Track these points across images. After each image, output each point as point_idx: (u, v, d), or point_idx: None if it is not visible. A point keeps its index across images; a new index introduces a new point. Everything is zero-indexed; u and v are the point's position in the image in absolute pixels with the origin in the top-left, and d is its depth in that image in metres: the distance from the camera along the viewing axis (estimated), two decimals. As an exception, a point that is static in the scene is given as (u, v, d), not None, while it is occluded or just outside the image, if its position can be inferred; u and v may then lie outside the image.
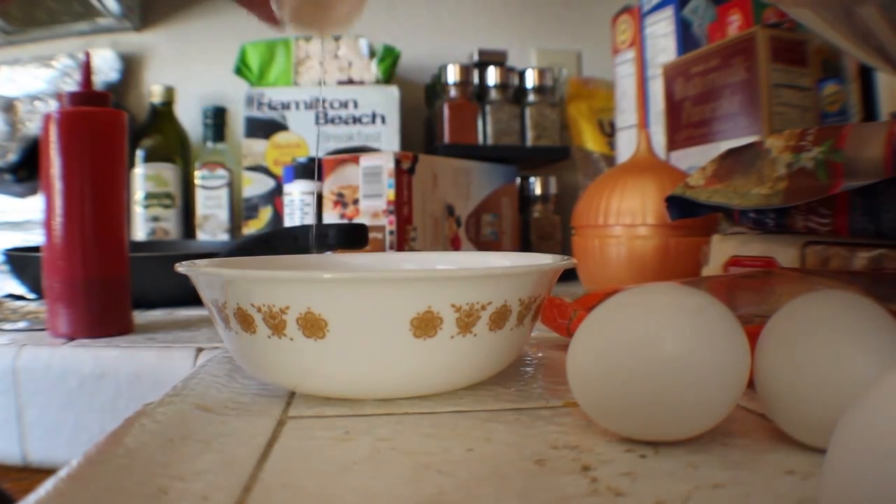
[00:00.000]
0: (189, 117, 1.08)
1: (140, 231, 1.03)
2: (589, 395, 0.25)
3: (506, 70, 0.97)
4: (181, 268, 0.32)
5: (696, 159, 0.68)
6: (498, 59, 1.01)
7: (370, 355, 0.29)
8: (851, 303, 0.23)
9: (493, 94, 0.96)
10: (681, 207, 0.53)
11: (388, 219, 0.75)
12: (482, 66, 0.98)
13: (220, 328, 0.32)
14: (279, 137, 0.98)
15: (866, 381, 0.19)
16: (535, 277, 0.31)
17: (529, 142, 0.97)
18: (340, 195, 0.78)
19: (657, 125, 0.81)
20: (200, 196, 1.03)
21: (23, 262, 0.68)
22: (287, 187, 0.89)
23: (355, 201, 0.77)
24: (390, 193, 0.75)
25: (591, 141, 1.04)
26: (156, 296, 0.65)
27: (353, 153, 0.77)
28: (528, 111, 0.97)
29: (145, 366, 0.46)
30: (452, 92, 0.95)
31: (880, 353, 0.22)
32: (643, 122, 0.85)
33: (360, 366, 0.29)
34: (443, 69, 0.96)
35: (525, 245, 0.97)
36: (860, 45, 0.45)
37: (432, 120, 1.01)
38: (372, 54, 1.01)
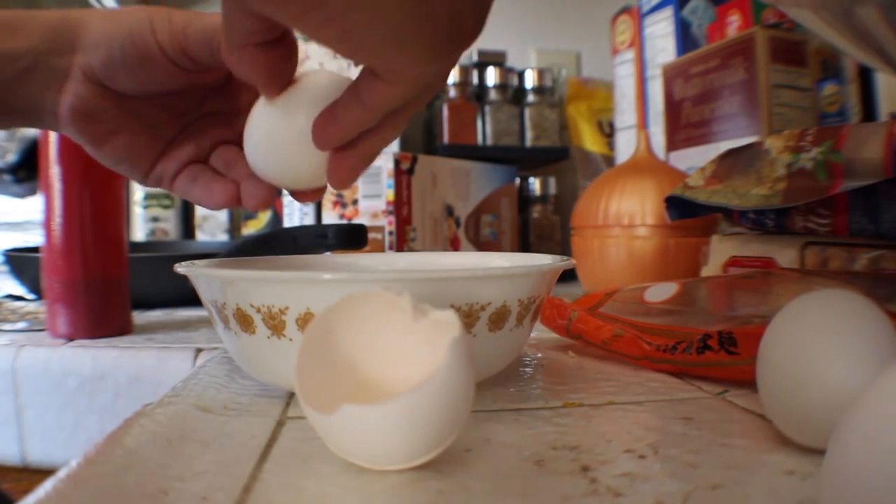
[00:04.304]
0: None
1: (139, 231, 1.03)
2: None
3: (505, 70, 0.97)
4: (181, 268, 0.32)
5: (695, 160, 0.68)
6: (497, 59, 1.01)
7: (370, 356, 0.29)
8: (850, 303, 0.23)
9: (493, 95, 0.96)
10: (680, 208, 0.53)
11: (388, 219, 0.75)
12: (481, 66, 0.98)
13: (219, 329, 0.32)
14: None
15: (864, 383, 0.19)
16: (534, 278, 0.31)
17: (529, 142, 0.97)
18: (340, 195, 0.78)
19: (656, 126, 0.81)
20: (200, 196, 1.03)
21: (22, 262, 0.68)
22: (286, 188, 0.89)
23: (354, 202, 0.77)
24: (389, 194, 0.75)
25: (590, 141, 1.04)
26: (155, 296, 0.65)
27: (352, 153, 0.77)
28: (527, 111, 0.97)
29: (144, 366, 0.46)
30: (452, 92, 0.95)
31: (878, 353, 0.22)
32: (642, 123, 0.85)
33: (359, 366, 0.29)
34: (442, 69, 0.96)
35: (524, 245, 0.97)
36: (860, 45, 0.45)
37: (431, 120, 1.01)
38: (371, 55, 1.01)
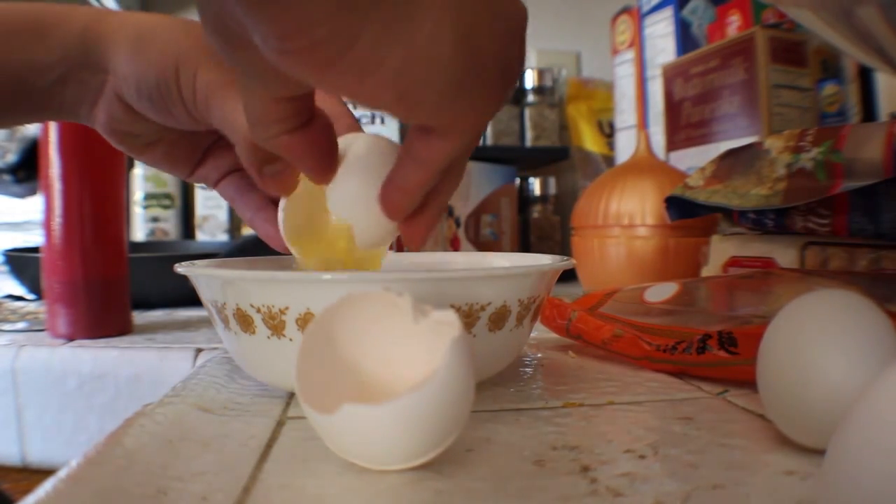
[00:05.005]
0: (188, 118, 1.08)
1: (139, 231, 1.03)
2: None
3: (505, 70, 0.97)
4: (180, 268, 0.32)
5: (695, 160, 0.68)
6: (497, 59, 1.00)
7: (369, 356, 0.29)
8: (850, 303, 0.23)
9: (493, 95, 0.96)
10: (680, 208, 0.53)
11: (388, 219, 0.74)
12: (481, 66, 0.98)
13: (219, 329, 0.32)
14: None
15: (864, 383, 0.19)
16: (534, 278, 0.31)
17: (529, 142, 0.97)
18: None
19: (656, 126, 0.81)
20: (200, 196, 1.03)
21: (22, 262, 0.68)
22: (286, 188, 0.89)
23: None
24: (390, 194, 0.74)
25: (590, 141, 1.04)
26: (155, 296, 0.65)
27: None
28: (527, 111, 0.97)
29: (144, 366, 0.46)
30: (452, 92, 0.95)
31: (878, 353, 0.22)
32: (642, 123, 0.85)
33: (359, 366, 0.29)
34: (442, 69, 0.96)
35: (524, 245, 0.97)
36: (860, 45, 0.45)
37: (432, 120, 1.01)
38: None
